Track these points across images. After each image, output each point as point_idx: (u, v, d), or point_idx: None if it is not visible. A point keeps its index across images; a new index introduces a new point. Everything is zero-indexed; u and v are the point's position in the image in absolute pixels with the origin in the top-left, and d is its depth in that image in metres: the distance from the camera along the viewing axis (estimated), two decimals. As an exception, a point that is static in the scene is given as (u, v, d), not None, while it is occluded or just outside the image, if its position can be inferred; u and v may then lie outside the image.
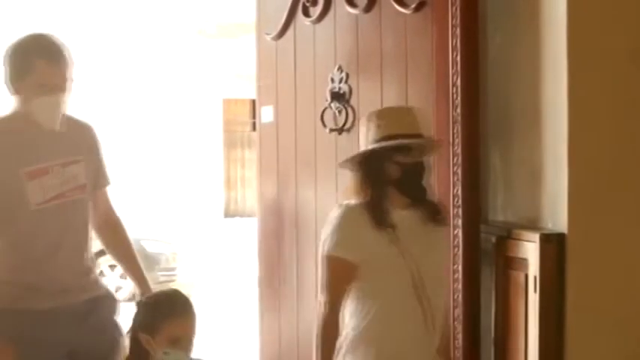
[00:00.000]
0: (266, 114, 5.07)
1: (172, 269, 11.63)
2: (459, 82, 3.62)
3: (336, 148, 4.36)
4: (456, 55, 3.63)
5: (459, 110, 3.62)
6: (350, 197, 3.27)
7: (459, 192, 3.62)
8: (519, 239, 3.44)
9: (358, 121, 4.18)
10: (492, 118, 3.70)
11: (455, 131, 3.62)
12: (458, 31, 3.63)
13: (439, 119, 3.71)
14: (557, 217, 3.35)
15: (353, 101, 4.28)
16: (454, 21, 3.63)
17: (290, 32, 4.76)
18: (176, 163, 14.78)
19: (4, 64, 3.56)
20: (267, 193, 5.07)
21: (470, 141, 3.61)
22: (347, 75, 4.31)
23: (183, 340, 3.21)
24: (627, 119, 3.39)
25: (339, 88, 4.34)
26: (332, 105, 4.37)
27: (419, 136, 3.24)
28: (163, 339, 3.19)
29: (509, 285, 3.53)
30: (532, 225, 3.48)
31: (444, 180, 3.66)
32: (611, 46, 3.36)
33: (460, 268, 3.62)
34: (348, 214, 3.21)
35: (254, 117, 5.13)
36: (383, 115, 3.28)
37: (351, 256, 3.16)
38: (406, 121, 3.24)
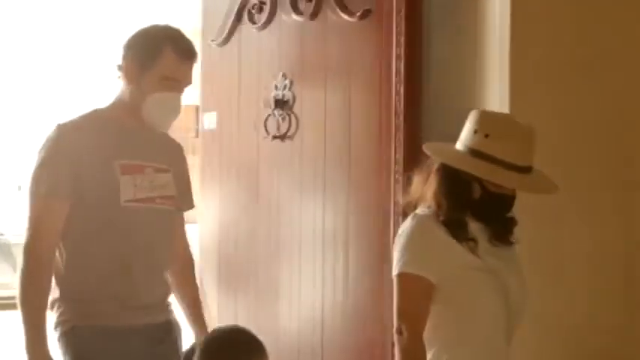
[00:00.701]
0: (209, 120, 5.04)
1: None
2: (402, 90, 3.63)
3: (278, 155, 4.34)
4: (400, 64, 3.64)
5: (401, 118, 3.62)
6: (416, 202, 2.81)
7: (400, 200, 3.61)
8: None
9: (301, 129, 4.18)
10: (435, 127, 3.71)
11: (397, 139, 3.63)
12: (402, 39, 3.64)
13: (381, 127, 3.71)
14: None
15: (296, 109, 4.26)
16: (398, 29, 3.64)
17: (235, 39, 4.74)
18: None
19: (127, 49, 3.11)
20: (208, 200, 5.03)
21: (411, 149, 3.61)
22: (291, 82, 4.30)
23: None
24: (570, 129, 3.42)
25: (283, 95, 4.33)
26: (275, 112, 4.35)
27: (529, 169, 2.68)
28: None
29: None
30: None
31: (385, 187, 3.66)
32: (553, 56, 3.39)
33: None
34: (423, 225, 2.69)
35: (198, 123, 5.09)
36: (505, 130, 2.67)
37: (432, 275, 2.64)
38: (523, 149, 2.67)
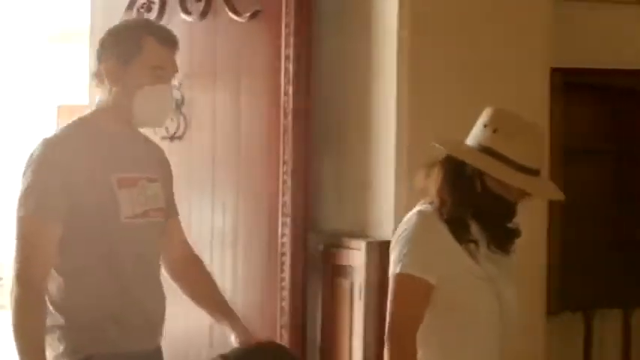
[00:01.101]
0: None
1: None
2: (290, 91, 3.64)
3: (168, 155, 4.29)
4: (289, 64, 3.65)
5: (289, 118, 3.63)
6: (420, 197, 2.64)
7: (288, 200, 3.63)
8: (347, 247, 3.48)
9: (190, 129, 4.16)
10: (325, 128, 3.74)
11: (285, 139, 3.64)
12: (291, 40, 3.65)
13: (270, 127, 3.72)
14: (386, 225, 3.41)
15: (185, 109, 4.23)
16: (287, 30, 3.66)
17: (124, 38, 4.68)
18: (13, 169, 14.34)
19: (102, 50, 2.85)
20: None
21: (300, 149, 3.63)
22: (180, 82, 4.26)
23: None
24: (458, 130, 3.48)
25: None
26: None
27: (536, 172, 2.54)
28: None
29: (336, 293, 3.56)
30: (360, 234, 3.52)
31: (274, 187, 3.67)
32: (443, 57, 3.45)
33: (287, 276, 3.63)
34: (429, 223, 2.55)
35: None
36: (515, 128, 2.54)
37: (432, 278, 2.50)
38: (531, 150, 2.53)
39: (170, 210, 3.01)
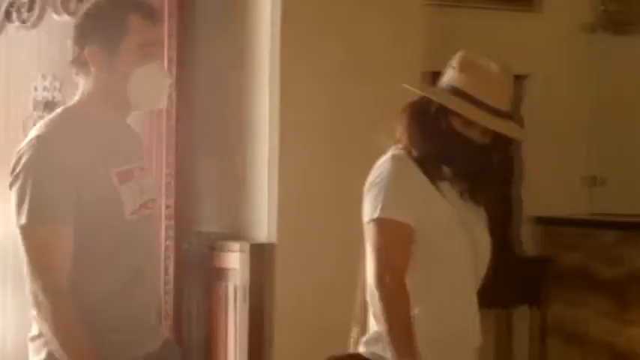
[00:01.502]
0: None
1: None
2: (173, 95, 3.64)
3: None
4: (172, 66, 3.65)
5: (172, 122, 3.64)
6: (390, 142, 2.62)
7: (172, 203, 3.64)
8: (225, 250, 3.50)
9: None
10: (206, 130, 3.75)
11: (168, 142, 3.64)
12: (174, 42, 3.66)
13: (152, 129, 3.70)
14: (266, 227, 3.45)
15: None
16: (170, 32, 3.66)
17: (3, 38, 4.60)
18: None
19: (82, 35, 2.56)
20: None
21: (182, 152, 3.64)
22: (61, 83, 4.22)
23: None
24: (332, 131, 3.54)
25: (53, 97, 4.24)
26: (45, 114, 4.25)
27: (503, 113, 2.55)
28: None
29: (215, 295, 3.58)
30: (242, 236, 3.56)
31: (157, 190, 3.66)
32: (316, 60, 3.51)
33: (172, 279, 3.64)
34: (402, 166, 2.54)
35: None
36: (480, 70, 2.56)
37: (410, 219, 2.49)
38: (497, 91, 2.55)
39: None
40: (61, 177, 2.45)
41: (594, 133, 4.95)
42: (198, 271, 3.67)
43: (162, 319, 2.87)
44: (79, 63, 2.57)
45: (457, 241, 2.55)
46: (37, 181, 2.45)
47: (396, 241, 2.49)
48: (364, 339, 2.59)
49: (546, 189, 4.64)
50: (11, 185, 2.47)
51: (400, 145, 2.56)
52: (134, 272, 2.55)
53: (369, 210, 2.51)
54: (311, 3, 3.55)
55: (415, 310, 2.47)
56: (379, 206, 2.48)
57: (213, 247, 3.59)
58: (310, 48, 3.50)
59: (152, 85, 2.58)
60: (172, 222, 3.65)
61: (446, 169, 2.55)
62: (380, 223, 2.48)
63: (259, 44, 3.53)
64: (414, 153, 2.53)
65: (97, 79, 2.55)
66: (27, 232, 2.44)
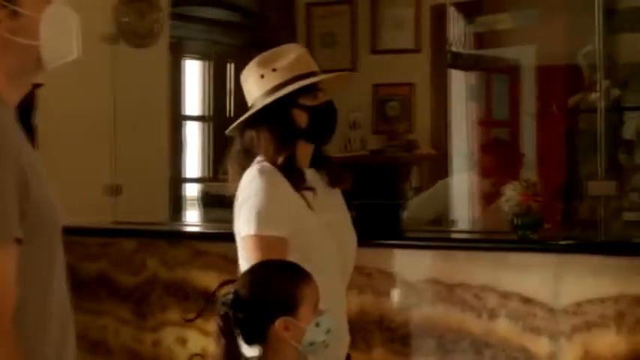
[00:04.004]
0: None
1: None
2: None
3: None
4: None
5: None
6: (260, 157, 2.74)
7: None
8: None
9: None
10: None
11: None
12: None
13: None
14: None
15: None
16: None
17: None
18: None
19: None
20: None
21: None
22: None
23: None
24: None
25: None
26: None
27: (317, 72, 2.78)
28: (308, 309, 2.34)
29: None
30: None
31: None
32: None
33: None
34: (271, 180, 2.67)
35: None
36: (276, 57, 2.76)
37: (284, 232, 2.63)
38: (304, 60, 2.77)
39: None
40: (10, 188, 1.92)
41: (115, 142, 5.04)
42: None
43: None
44: None
45: (326, 245, 2.72)
46: None
47: (272, 255, 2.59)
48: None
49: (70, 198, 4.62)
50: None
51: (263, 158, 2.71)
52: (63, 290, 2.08)
53: (244, 227, 2.64)
54: None
55: None
56: (253, 223, 2.62)
57: None
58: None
59: (66, 30, 2.12)
60: None
61: (309, 173, 2.74)
62: (255, 239, 2.62)
63: None
64: (280, 160, 2.69)
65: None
66: None
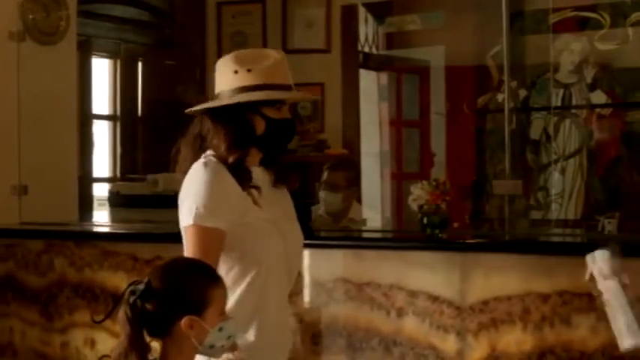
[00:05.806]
0: None
1: None
2: None
3: None
4: None
5: None
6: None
7: None
8: None
9: None
10: None
11: None
12: None
13: None
14: None
15: None
16: None
17: None
18: None
19: None
20: None
21: None
22: None
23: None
24: None
25: None
26: None
27: (291, 88, 2.81)
28: (215, 312, 2.36)
29: None
30: None
31: None
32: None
33: None
34: (215, 174, 2.70)
35: None
36: (255, 58, 2.79)
37: (223, 225, 2.67)
38: (280, 69, 2.79)
39: None
40: None
41: (21, 142, 4.96)
42: None
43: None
44: None
45: (268, 240, 2.74)
46: None
47: (208, 246, 2.65)
48: None
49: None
50: None
51: (212, 153, 2.73)
52: None
53: (185, 217, 2.68)
54: None
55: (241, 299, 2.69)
56: (193, 213, 2.65)
57: None
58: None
59: None
60: None
61: (256, 170, 2.77)
62: (194, 229, 2.66)
63: None
64: (229, 159, 2.71)
65: None
66: None
